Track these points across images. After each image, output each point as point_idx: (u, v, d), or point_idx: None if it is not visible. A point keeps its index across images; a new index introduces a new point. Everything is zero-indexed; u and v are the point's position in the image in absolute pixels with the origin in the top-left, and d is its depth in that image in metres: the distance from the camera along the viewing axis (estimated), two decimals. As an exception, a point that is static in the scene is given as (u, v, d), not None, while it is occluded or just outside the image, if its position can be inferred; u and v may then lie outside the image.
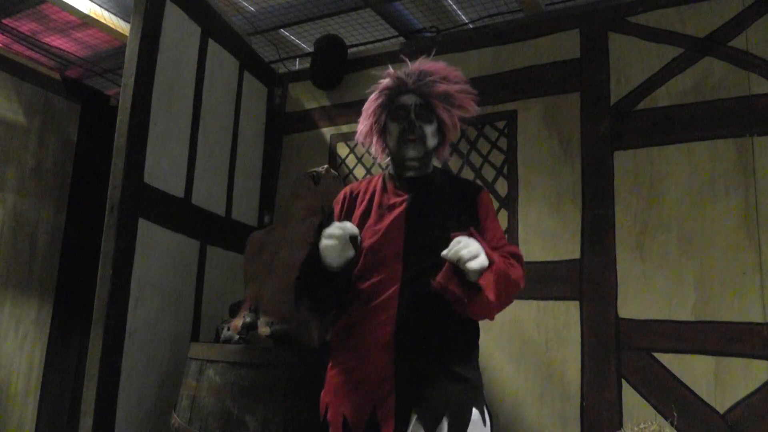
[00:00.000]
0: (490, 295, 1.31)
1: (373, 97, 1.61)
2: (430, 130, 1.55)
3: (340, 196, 1.65)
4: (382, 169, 1.69)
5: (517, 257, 1.48)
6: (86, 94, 3.82)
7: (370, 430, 1.37)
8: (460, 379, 1.41)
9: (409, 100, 1.54)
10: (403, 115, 1.54)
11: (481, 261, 1.30)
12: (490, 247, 1.41)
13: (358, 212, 1.56)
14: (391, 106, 1.57)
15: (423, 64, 1.57)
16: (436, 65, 1.56)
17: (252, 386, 1.95)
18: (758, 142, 2.30)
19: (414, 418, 1.36)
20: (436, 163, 1.66)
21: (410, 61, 1.60)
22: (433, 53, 1.66)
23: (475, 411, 1.39)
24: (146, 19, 2.49)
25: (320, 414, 1.50)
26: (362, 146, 1.67)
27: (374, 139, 1.63)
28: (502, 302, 1.38)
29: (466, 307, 1.37)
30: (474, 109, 1.58)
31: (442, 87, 1.53)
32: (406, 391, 1.37)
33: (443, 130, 1.59)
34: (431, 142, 1.56)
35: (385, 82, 1.58)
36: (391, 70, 1.60)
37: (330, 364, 1.52)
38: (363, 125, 1.63)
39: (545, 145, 2.71)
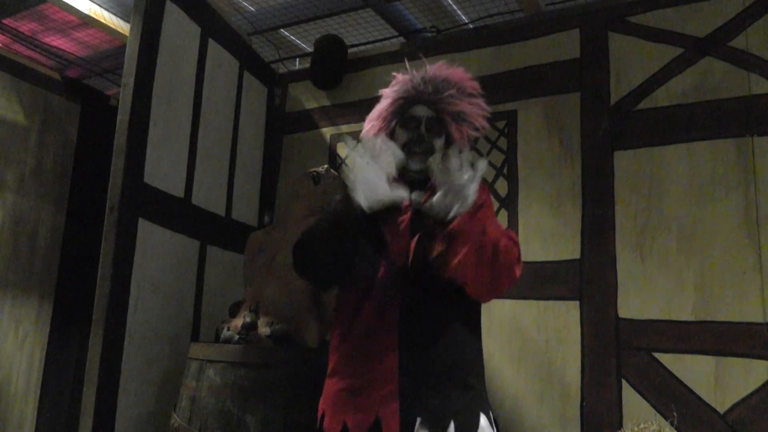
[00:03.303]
0: (462, 244, 1.24)
1: (386, 102, 1.57)
2: (438, 143, 1.52)
3: None
4: None
5: (512, 240, 1.39)
6: (86, 94, 3.82)
7: None
8: (465, 386, 1.38)
9: (421, 111, 1.52)
10: (413, 126, 1.51)
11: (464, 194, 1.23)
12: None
13: None
14: (403, 114, 1.54)
15: (440, 71, 1.53)
16: (454, 74, 1.53)
17: (252, 386, 1.95)
18: (758, 142, 2.30)
19: (418, 421, 1.34)
20: None
21: (424, 61, 1.57)
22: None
23: (482, 417, 1.37)
24: (146, 19, 2.49)
25: (316, 421, 1.46)
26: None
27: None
28: (483, 267, 1.28)
29: (443, 253, 1.27)
30: (485, 127, 1.56)
31: (457, 105, 1.50)
32: (410, 397, 1.34)
33: (450, 143, 1.57)
34: (438, 156, 1.54)
35: (401, 88, 1.55)
36: (408, 74, 1.56)
37: (329, 371, 1.49)
38: (370, 126, 1.60)
39: (545, 145, 2.71)
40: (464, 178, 1.22)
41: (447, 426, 1.32)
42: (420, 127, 1.50)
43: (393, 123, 1.55)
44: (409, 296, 1.40)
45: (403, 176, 1.54)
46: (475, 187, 1.24)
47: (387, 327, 1.38)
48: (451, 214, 1.23)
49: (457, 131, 1.52)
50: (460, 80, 1.54)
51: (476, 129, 1.55)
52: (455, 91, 1.51)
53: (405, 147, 1.50)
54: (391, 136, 1.56)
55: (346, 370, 1.43)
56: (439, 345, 1.38)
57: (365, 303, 1.42)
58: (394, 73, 1.60)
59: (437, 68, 1.55)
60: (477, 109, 1.54)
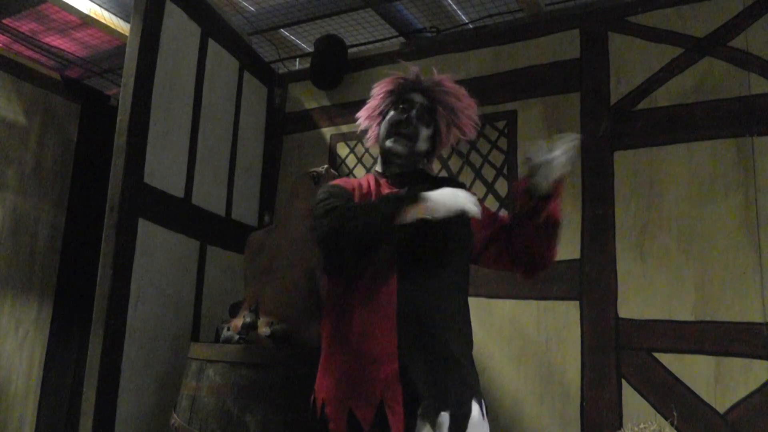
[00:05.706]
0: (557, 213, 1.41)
1: (384, 87, 1.62)
2: (425, 133, 1.56)
3: (341, 181, 1.64)
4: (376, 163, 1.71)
5: None
6: (86, 94, 3.82)
7: (377, 419, 1.34)
8: (461, 371, 1.40)
9: (416, 98, 1.56)
10: (405, 108, 1.56)
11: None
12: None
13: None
14: (398, 97, 1.58)
15: (443, 78, 1.59)
16: (455, 86, 1.59)
17: (252, 386, 1.95)
18: (758, 142, 2.30)
19: (421, 407, 1.34)
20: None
21: (421, 67, 1.63)
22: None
23: (475, 406, 1.38)
24: (146, 19, 2.49)
25: (316, 411, 1.45)
26: (361, 130, 1.70)
27: (374, 124, 1.65)
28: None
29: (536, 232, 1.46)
30: (471, 136, 1.60)
31: (452, 102, 1.55)
32: (412, 379, 1.35)
33: (435, 141, 1.60)
34: (422, 145, 1.57)
35: (399, 78, 1.61)
36: (415, 68, 1.62)
37: (325, 361, 1.48)
38: (367, 107, 1.66)
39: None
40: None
41: (439, 414, 1.33)
42: (411, 110, 1.54)
43: (388, 103, 1.58)
44: (405, 273, 1.41)
45: (385, 157, 1.58)
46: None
47: (384, 305, 1.39)
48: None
49: (445, 128, 1.57)
50: (459, 90, 1.59)
51: (464, 134, 1.60)
52: (452, 92, 1.57)
53: (392, 127, 1.54)
54: (383, 116, 1.60)
55: (344, 357, 1.43)
56: (435, 321, 1.40)
57: (360, 283, 1.43)
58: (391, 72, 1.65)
59: (441, 75, 1.60)
60: (468, 117, 1.58)
